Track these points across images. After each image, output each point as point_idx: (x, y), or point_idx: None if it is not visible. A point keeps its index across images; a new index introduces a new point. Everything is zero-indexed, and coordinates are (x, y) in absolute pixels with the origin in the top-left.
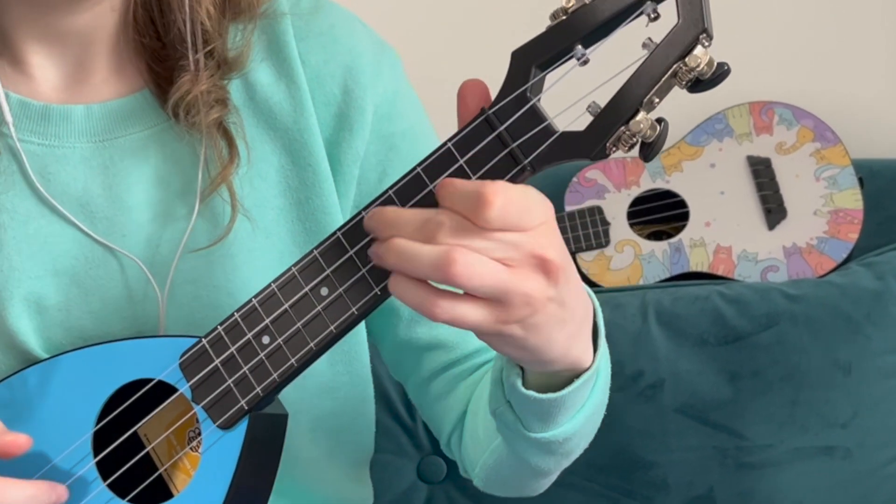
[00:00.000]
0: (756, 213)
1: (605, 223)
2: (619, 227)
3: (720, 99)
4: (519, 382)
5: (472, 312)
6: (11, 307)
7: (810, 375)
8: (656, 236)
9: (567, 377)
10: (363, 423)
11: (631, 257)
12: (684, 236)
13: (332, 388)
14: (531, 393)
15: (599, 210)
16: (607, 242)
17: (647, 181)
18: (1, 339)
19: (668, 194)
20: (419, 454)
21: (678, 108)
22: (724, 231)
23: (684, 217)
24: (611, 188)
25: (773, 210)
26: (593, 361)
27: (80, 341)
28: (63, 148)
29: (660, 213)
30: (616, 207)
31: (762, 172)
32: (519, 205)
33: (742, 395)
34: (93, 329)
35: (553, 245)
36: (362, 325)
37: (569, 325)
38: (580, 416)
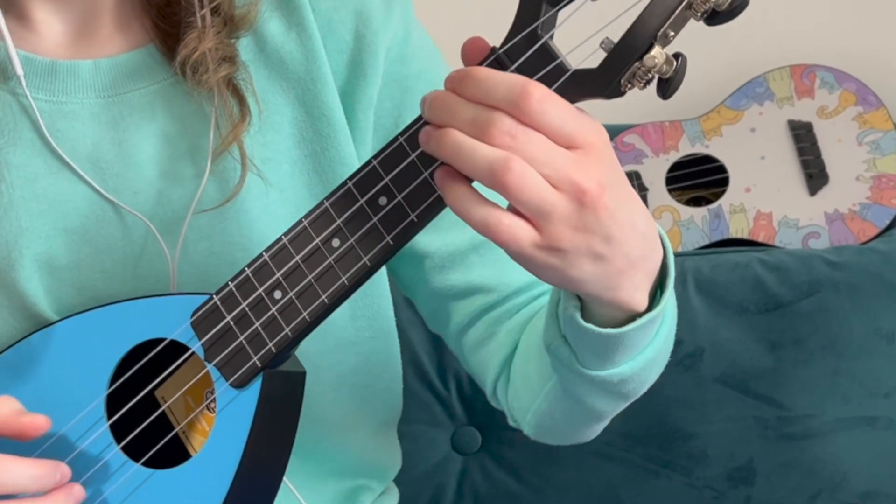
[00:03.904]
0: (797, 179)
1: (643, 189)
2: (658, 193)
3: (760, 62)
4: (577, 315)
5: (515, 227)
6: (21, 268)
7: (852, 344)
8: (695, 202)
9: (623, 318)
10: (389, 381)
11: (669, 223)
12: (724, 202)
13: (355, 342)
14: (589, 326)
15: (637, 175)
16: None
17: (686, 146)
18: (11, 302)
19: (708, 159)
20: (453, 424)
21: (718, 71)
22: (765, 197)
23: (724, 182)
24: (649, 153)
25: (815, 175)
26: (654, 305)
27: (92, 301)
28: (71, 104)
29: (699, 179)
30: (654, 172)
31: (803, 137)
32: (561, 110)
33: (783, 364)
34: (104, 288)
35: (593, 172)
36: (384, 279)
37: (614, 262)
38: (640, 359)
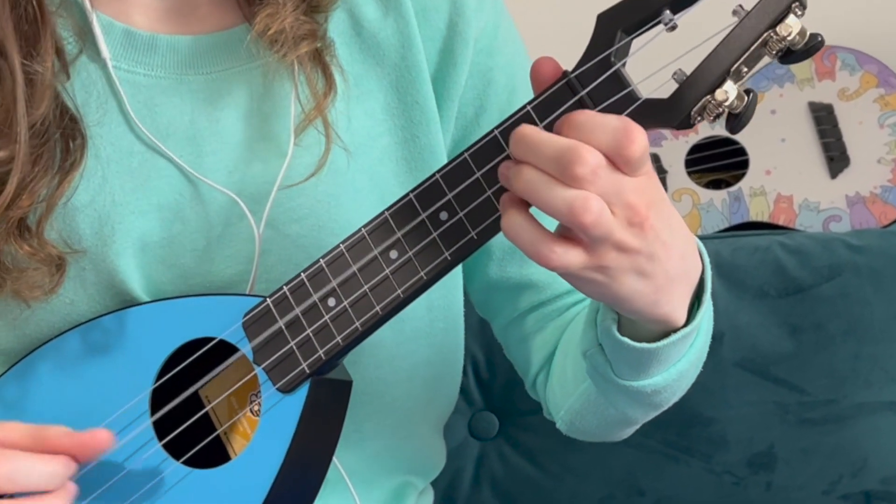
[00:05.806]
0: (818, 161)
1: (663, 171)
2: (677, 176)
3: None
4: (614, 328)
5: (566, 255)
6: (114, 243)
7: (874, 328)
8: (715, 185)
9: (661, 331)
10: (454, 374)
11: (689, 206)
12: (744, 185)
13: (429, 334)
14: (625, 340)
15: (657, 158)
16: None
17: (706, 128)
18: (100, 278)
19: (728, 142)
20: (471, 410)
21: None
22: (785, 179)
23: (744, 165)
24: (668, 135)
25: (836, 158)
26: (691, 320)
27: (181, 280)
28: (170, 79)
29: (719, 161)
30: (674, 155)
31: (824, 119)
32: (647, 153)
33: (803, 348)
34: (195, 267)
35: (646, 193)
36: (458, 271)
37: (655, 280)
38: (673, 371)
